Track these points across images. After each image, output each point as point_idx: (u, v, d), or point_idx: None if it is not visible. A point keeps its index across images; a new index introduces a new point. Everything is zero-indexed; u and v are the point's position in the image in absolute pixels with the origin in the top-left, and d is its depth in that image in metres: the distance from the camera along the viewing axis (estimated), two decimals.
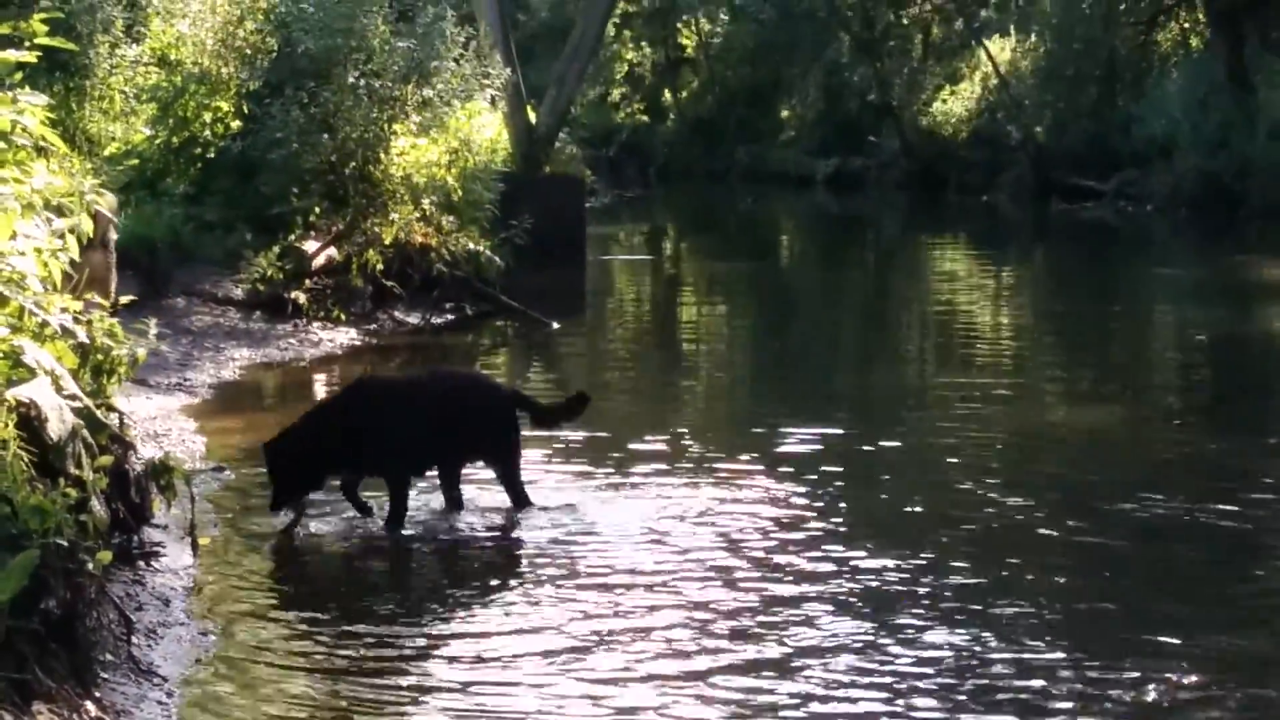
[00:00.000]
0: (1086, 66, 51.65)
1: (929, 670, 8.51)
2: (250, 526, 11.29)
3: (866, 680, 8.36)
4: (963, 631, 9.07)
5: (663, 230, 47.91)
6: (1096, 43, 51.27)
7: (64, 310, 8.69)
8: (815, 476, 12.81)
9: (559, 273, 27.91)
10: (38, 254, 8.49)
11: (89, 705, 7.15)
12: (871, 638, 8.98)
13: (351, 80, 22.45)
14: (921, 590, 9.89)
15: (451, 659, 8.74)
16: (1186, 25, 52.46)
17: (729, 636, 9.04)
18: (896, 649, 8.80)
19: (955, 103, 58.25)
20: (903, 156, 58.96)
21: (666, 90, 76.35)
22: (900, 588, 9.94)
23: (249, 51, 23.05)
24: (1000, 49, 56.24)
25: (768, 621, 9.29)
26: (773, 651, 8.81)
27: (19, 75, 9.12)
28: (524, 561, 10.53)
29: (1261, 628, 9.44)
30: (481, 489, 11.95)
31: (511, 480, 11.68)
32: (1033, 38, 55.10)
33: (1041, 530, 11.53)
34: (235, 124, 22.78)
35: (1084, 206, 47.18)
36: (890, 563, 10.43)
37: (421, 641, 9.03)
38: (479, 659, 8.72)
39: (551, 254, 27.08)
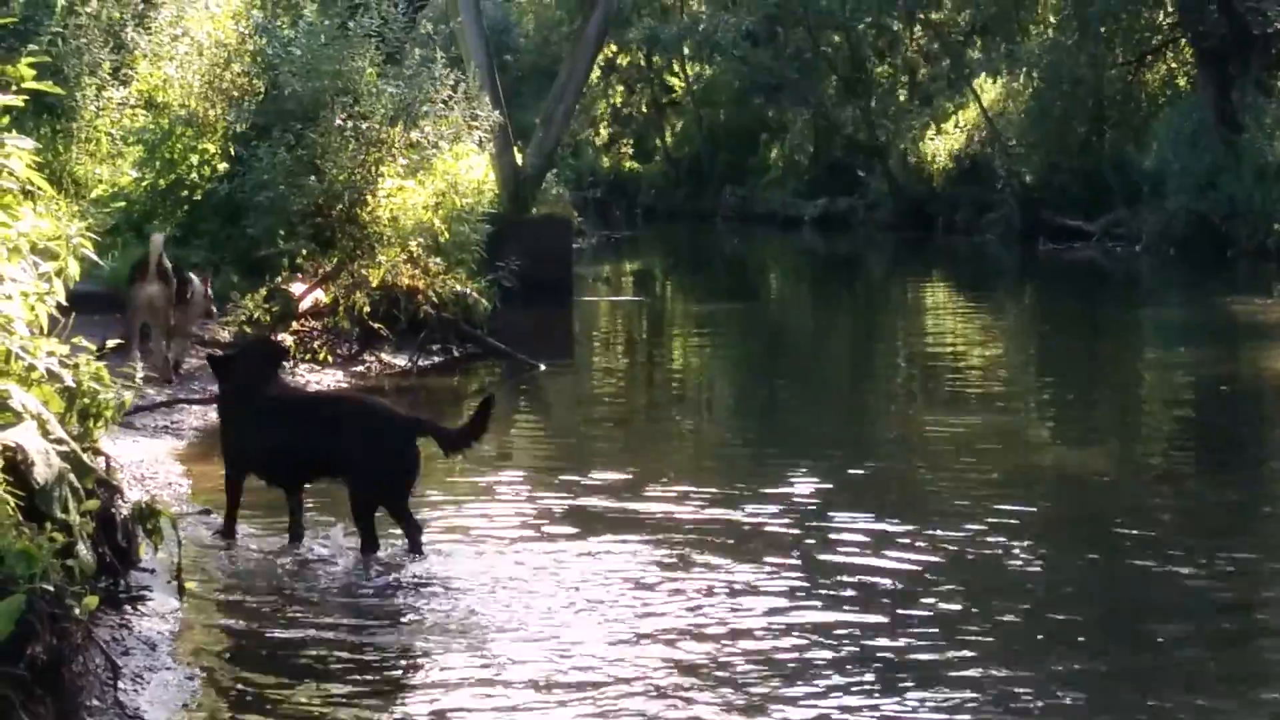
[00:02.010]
0: (1074, 107, 51.70)
1: None
2: (237, 570, 11.24)
3: None
4: (952, 685, 8.98)
5: (650, 271, 47.95)
6: (1084, 83, 51.34)
7: (50, 354, 8.66)
8: (804, 524, 12.69)
9: (546, 314, 27.94)
10: (24, 298, 8.48)
11: None
12: (874, 697, 8.84)
13: (339, 122, 22.46)
14: (914, 642, 9.80)
15: (436, 701, 8.69)
16: (1174, 65, 52.54)
17: (714, 688, 8.93)
18: (892, 706, 8.69)
19: (943, 143, 58.29)
20: (890, 197, 59.03)
21: (653, 131, 76.49)
22: (893, 642, 9.80)
23: (236, 94, 23.06)
24: (988, 89, 56.32)
25: (752, 668, 9.23)
26: (759, 699, 8.76)
27: (6, 119, 9.10)
28: (512, 608, 10.41)
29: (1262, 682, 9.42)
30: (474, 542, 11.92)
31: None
32: (1020, 78, 55.15)
33: (1039, 581, 11.38)
34: (222, 166, 22.79)
35: (1072, 247, 47.26)
36: (884, 618, 10.26)
37: (409, 687, 8.98)
38: (466, 699, 8.68)
39: (539, 295, 27.11)
